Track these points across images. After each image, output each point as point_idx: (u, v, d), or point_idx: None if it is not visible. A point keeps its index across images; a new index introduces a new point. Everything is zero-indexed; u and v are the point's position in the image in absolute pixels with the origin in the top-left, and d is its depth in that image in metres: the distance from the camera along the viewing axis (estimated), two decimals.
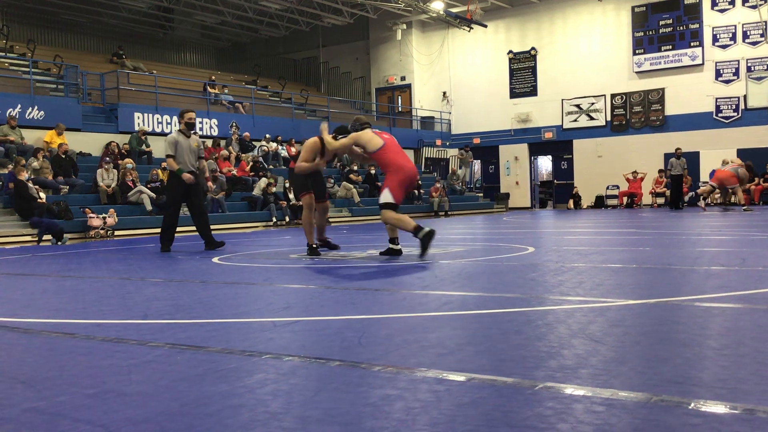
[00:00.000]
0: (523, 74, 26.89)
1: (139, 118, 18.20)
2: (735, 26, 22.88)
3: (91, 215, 13.57)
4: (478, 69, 27.78)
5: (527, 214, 22.25)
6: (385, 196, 7.01)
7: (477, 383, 2.20)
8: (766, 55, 22.50)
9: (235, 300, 4.38)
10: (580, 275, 4.97)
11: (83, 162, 16.26)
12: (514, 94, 27.08)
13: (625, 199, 23.77)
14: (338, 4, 25.84)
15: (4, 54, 19.44)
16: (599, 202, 24.93)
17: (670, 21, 23.79)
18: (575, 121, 25.79)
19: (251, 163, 19.16)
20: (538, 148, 27.02)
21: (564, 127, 26.06)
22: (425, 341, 2.85)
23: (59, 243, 12.32)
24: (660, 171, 23.02)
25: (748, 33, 22.72)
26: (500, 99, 27.25)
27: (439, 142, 28.09)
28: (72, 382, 2.39)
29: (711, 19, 23.21)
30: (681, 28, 23.63)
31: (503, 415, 1.87)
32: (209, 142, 18.83)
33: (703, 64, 23.28)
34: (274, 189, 17.77)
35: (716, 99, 23.14)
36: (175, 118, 18.33)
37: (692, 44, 23.42)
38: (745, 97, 22.76)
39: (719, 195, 19.38)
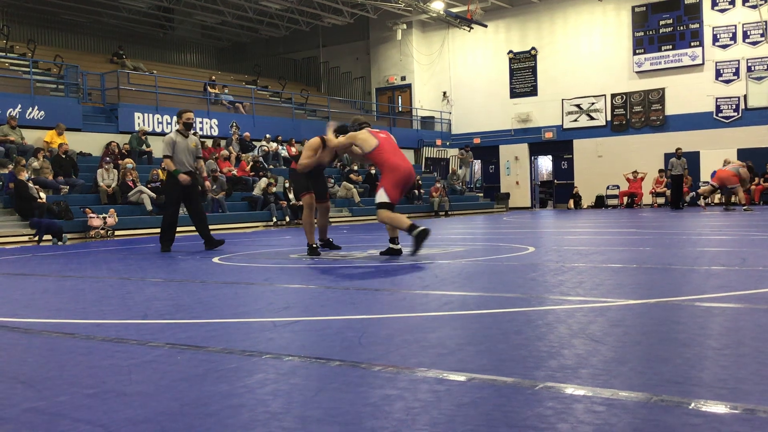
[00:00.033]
0: (523, 74, 26.89)
1: (139, 118, 18.20)
2: (735, 26, 22.88)
3: (92, 215, 13.57)
4: (478, 69, 27.78)
5: (527, 214, 22.25)
6: (380, 196, 7.02)
7: (477, 383, 2.20)
8: (766, 54, 22.49)
9: (235, 300, 4.38)
10: (580, 275, 4.97)
11: (83, 162, 16.27)
12: (514, 94, 27.08)
13: (625, 199, 23.77)
14: (338, 4, 25.84)
15: (4, 54, 19.44)
16: (599, 202, 24.93)
17: (671, 21, 23.79)
18: (575, 121, 25.79)
19: (251, 163, 19.16)
20: (538, 148, 27.02)
21: (564, 127, 26.06)
22: (425, 341, 2.85)
23: (59, 243, 12.33)
24: (660, 171, 23.02)
25: (749, 33, 22.72)
26: (500, 99, 27.25)
27: (439, 142, 28.09)
28: (72, 382, 2.39)
29: (711, 18, 23.21)
30: (681, 28, 23.63)
31: (503, 415, 1.87)
32: (209, 142, 18.84)
33: (703, 63, 23.28)
34: (274, 189, 17.77)
35: (716, 99, 23.14)
36: (175, 118, 18.33)
37: (692, 44, 23.42)
38: (745, 96, 22.75)
39: (721, 195, 19.38)
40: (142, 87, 19.60)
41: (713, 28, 23.16)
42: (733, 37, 22.89)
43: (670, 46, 23.77)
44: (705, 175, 22.48)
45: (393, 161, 7.04)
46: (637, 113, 24.56)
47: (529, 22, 26.62)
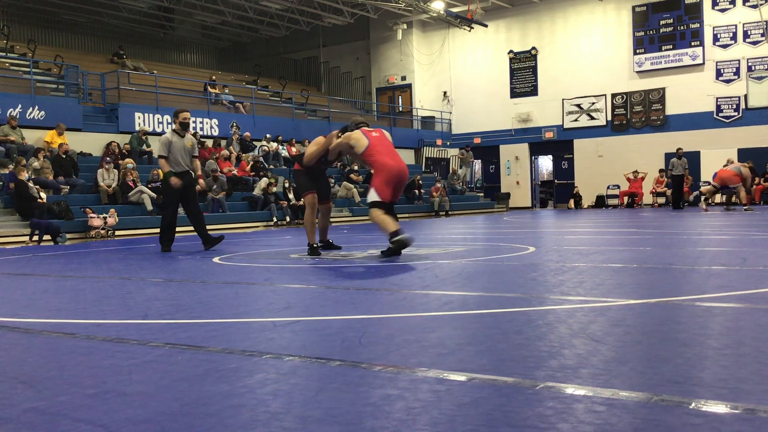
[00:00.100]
0: (523, 74, 26.89)
1: (139, 118, 18.21)
2: (736, 26, 22.87)
3: (92, 215, 13.57)
4: (478, 69, 27.78)
5: (528, 213, 22.24)
6: (372, 195, 7.02)
7: (477, 383, 2.20)
8: (766, 54, 22.49)
9: (235, 300, 4.38)
10: (580, 275, 4.97)
11: (84, 162, 16.27)
12: (514, 94, 27.08)
13: (625, 198, 23.76)
14: (339, 3, 25.84)
15: (4, 54, 19.45)
16: (600, 202, 24.93)
17: (671, 20, 23.79)
18: (576, 120, 25.79)
19: (252, 163, 19.17)
20: (538, 147, 27.02)
21: (564, 126, 26.06)
22: (426, 341, 2.84)
23: (58, 242, 12.32)
24: (661, 171, 23.02)
25: (749, 32, 22.72)
26: (501, 99, 27.25)
27: (439, 141, 28.09)
28: (72, 382, 2.39)
29: (711, 18, 23.20)
30: (681, 27, 23.63)
31: (504, 415, 1.87)
32: (210, 142, 18.85)
33: (703, 63, 23.28)
34: (274, 189, 17.78)
35: (717, 99, 23.14)
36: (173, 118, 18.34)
37: (693, 44, 23.41)
38: (745, 96, 22.75)
39: (722, 195, 19.36)
40: (143, 87, 19.61)
41: (714, 27, 23.16)
42: (734, 37, 22.89)
43: (671, 46, 23.77)
44: (705, 175, 22.47)
45: (383, 160, 7.01)
46: (638, 113, 24.56)
47: (530, 22, 26.62)
